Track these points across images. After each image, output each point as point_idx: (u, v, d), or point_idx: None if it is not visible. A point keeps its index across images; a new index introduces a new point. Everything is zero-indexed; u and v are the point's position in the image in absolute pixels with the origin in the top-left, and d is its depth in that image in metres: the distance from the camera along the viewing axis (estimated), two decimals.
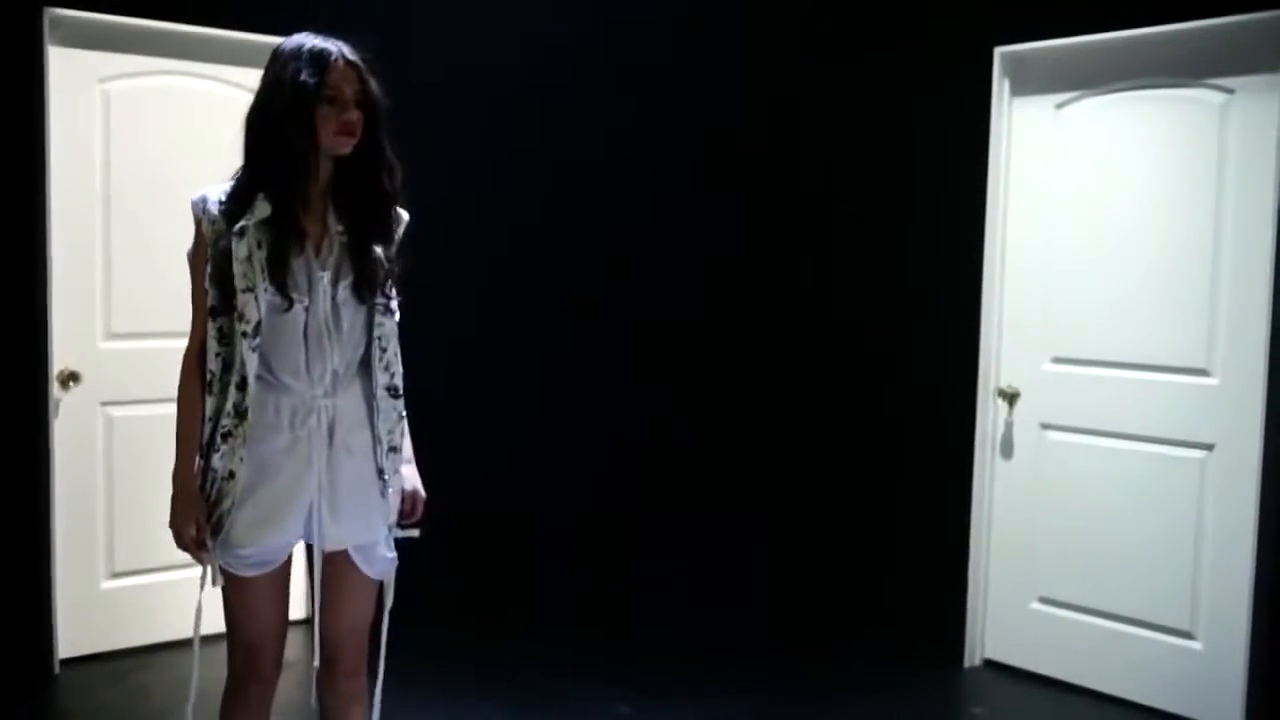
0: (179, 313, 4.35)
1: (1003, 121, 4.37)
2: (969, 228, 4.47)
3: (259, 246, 2.42)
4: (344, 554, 2.60)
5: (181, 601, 4.50)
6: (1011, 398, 4.40)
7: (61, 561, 4.20)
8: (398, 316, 2.62)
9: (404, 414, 2.66)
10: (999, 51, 4.34)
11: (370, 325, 2.56)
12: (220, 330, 2.46)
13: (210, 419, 2.48)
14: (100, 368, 4.28)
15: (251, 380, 2.44)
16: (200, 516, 2.51)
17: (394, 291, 2.58)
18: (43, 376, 4.12)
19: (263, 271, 2.41)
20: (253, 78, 4.44)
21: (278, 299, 2.43)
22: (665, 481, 5.73)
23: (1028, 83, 4.35)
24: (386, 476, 2.60)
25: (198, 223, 2.46)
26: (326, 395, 2.51)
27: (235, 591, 2.59)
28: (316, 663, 2.69)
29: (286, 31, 4.52)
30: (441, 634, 4.68)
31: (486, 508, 5.28)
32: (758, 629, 4.92)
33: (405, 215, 2.65)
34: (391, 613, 2.80)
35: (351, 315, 2.53)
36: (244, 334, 2.42)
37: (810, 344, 5.38)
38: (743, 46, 5.53)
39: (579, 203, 5.55)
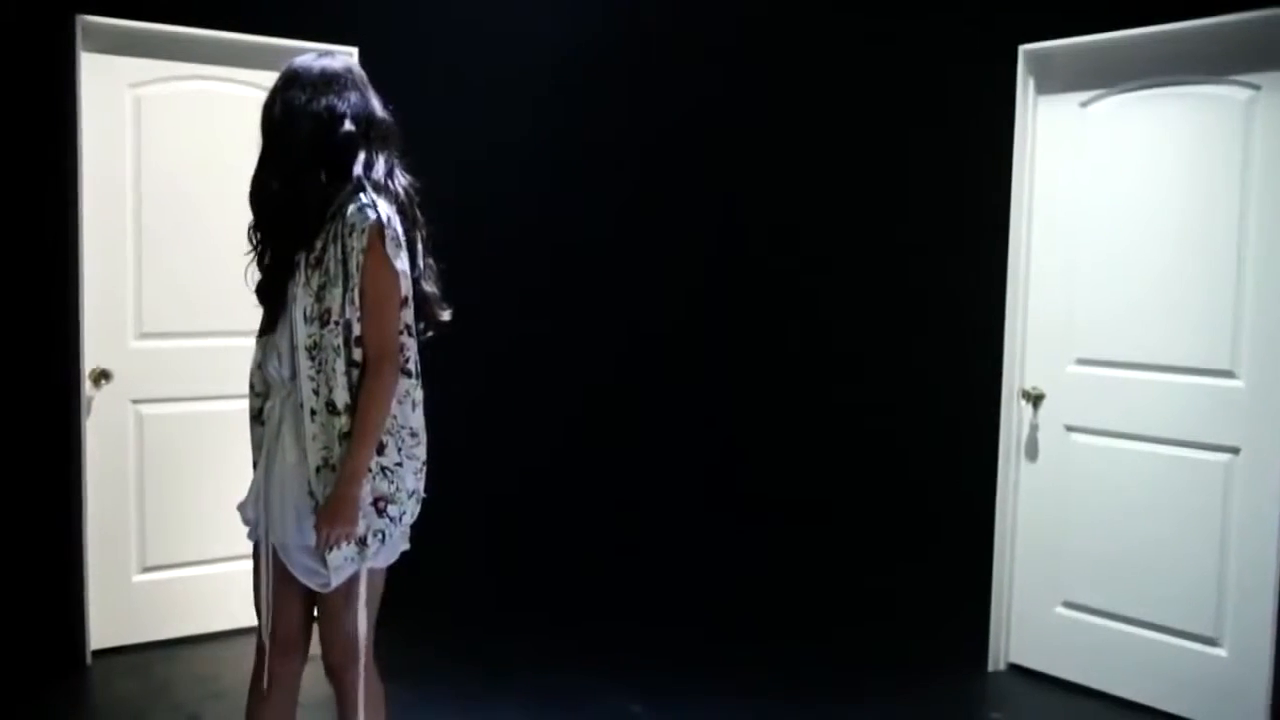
0: (208, 313, 4.51)
1: (1027, 120, 4.32)
2: (993, 228, 4.42)
3: None
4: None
5: (209, 596, 4.62)
6: (1036, 399, 4.34)
7: (93, 556, 4.29)
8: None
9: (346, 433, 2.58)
10: (1023, 49, 4.29)
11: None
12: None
13: None
14: (131, 366, 4.38)
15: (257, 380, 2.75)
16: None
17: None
18: (74, 375, 4.22)
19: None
20: None
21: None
22: (683, 482, 5.74)
23: (1052, 81, 4.29)
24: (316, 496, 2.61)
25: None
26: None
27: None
28: None
29: (313, 37, 4.63)
30: (454, 632, 4.75)
31: (501, 508, 5.33)
32: (777, 630, 4.89)
33: None
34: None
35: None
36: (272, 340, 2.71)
37: (832, 344, 5.36)
38: (764, 44, 5.52)
39: (609, 211, 5.58)
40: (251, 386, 2.79)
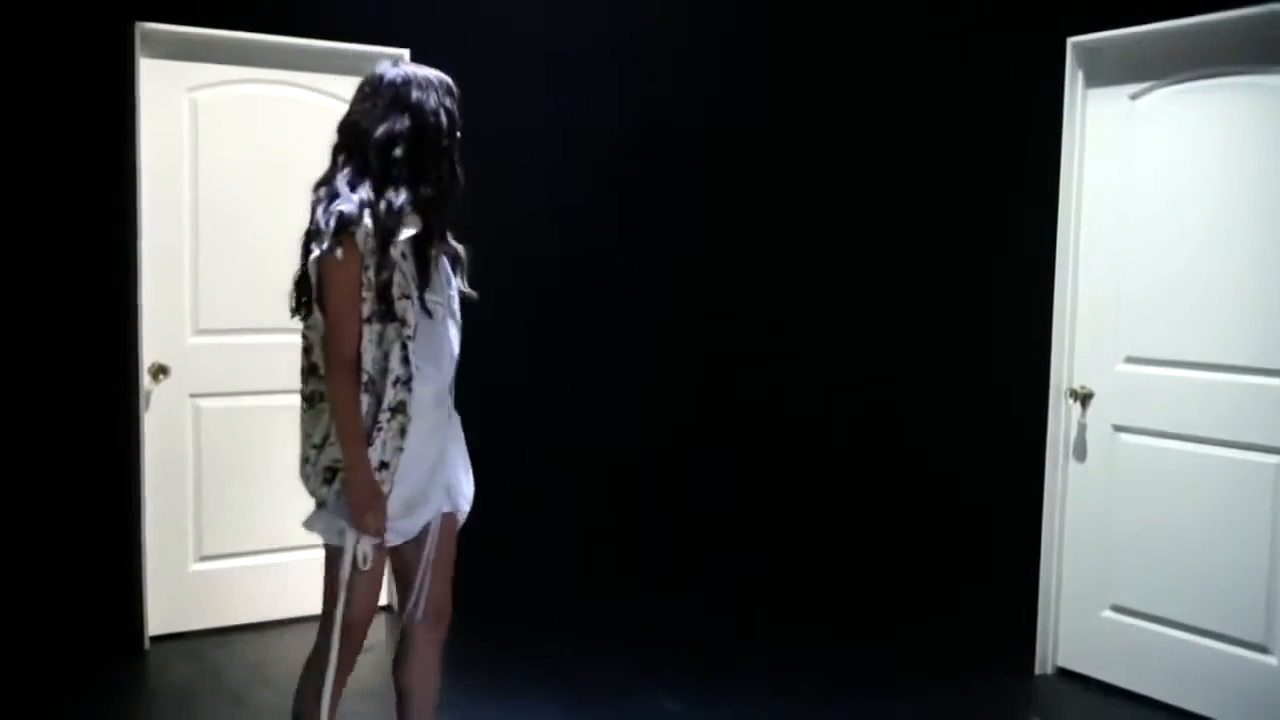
0: (263, 309, 4.63)
1: (1075, 114, 4.24)
2: (1041, 223, 4.34)
3: (404, 258, 2.68)
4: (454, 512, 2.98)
5: (263, 586, 4.74)
6: (1084, 399, 4.26)
7: (152, 545, 4.45)
8: None
9: None
10: (1072, 42, 4.21)
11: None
12: (380, 335, 2.66)
13: (366, 415, 2.68)
14: (189, 361, 4.52)
15: (415, 377, 2.70)
16: (382, 503, 2.71)
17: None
18: (134, 370, 4.37)
19: (413, 279, 2.69)
20: (331, 84, 4.70)
21: (429, 302, 2.72)
22: (729, 481, 5.73)
23: (1101, 74, 4.20)
24: None
25: (350, 236, 2.58)
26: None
27: (373, 566, 2.79)
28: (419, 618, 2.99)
29: (365, 40, 4.73)
30: (494, 625, 4.80)
31: (542, 503, 5.37)
32: (822, 631, 4.87)
33: None
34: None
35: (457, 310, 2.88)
36: (408, 337, 2.68)
37: (879, 344, 5.31)
38: (812, 40, 5.49)
39: (653, 210, 5.59)
40: (402, 380, 2.72)
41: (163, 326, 4.45)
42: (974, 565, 4.89)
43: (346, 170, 2.68)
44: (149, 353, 4.41)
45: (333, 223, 2.58)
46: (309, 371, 2.80)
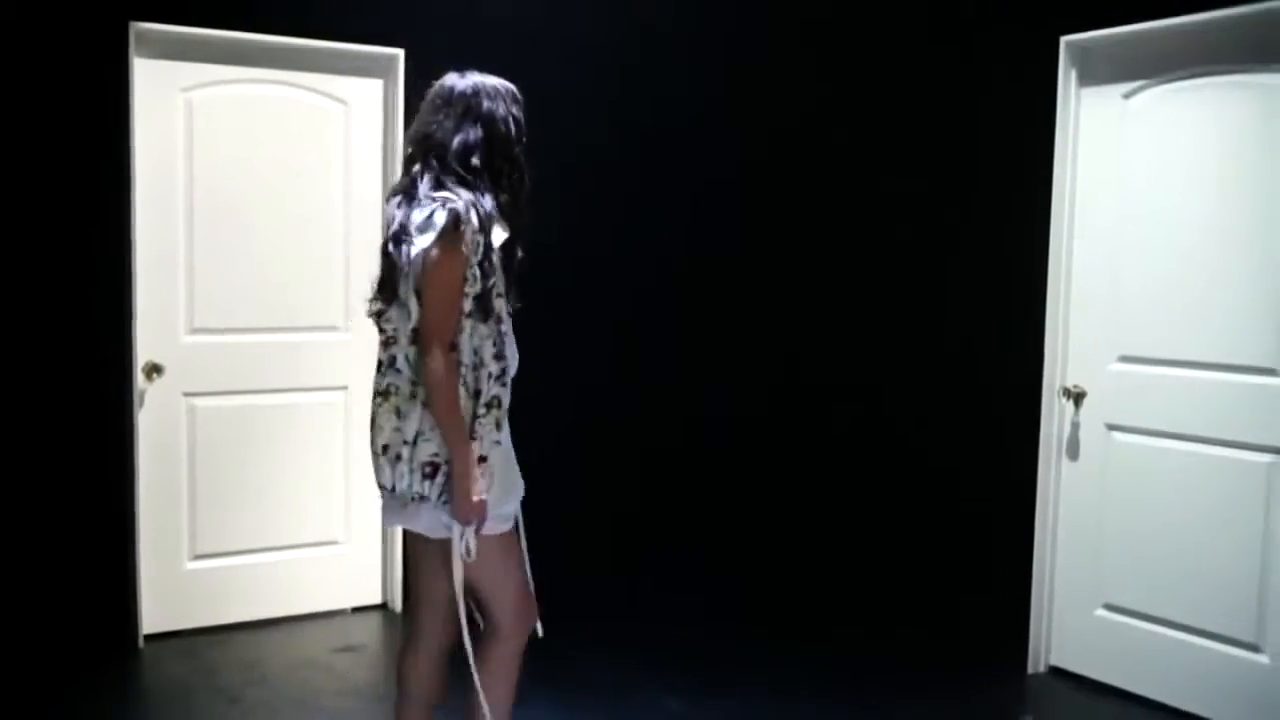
0: (258, 308, 4.64)
1: (1069, 113, 4.24)
2: (1035, 222, 4.35)
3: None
4: None
5: (257, 584, 4.75)
6: (1077, 397, 4.26)
7: (147, 543, 4.46)
8: None
9: None
10: (1065, 41, 4.21)
11: None
12: (474, 330, 2.74)
13: (464, 410, 2.75)
14: (183, 360, 4.53)
15: (509, 373, 2.82)
16: (481, 495, 2.77)
17: None
18: (128, 368, 4.37)
19: (501, 279, 2.80)
20: (326, 83, 4.71)
21: (512, 302, 2.87)
22: (724, 479, 5.73)
23: (1095, 72, 4.20)
24: None
25: (460, 235, 2.66)
26: None
27: (503, 548, 2.90)
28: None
29: (361, 40, 4.72)
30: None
31: (544, 498, 5.36)
32: (817, 630, 4.87)
33: None
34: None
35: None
36: (503, 333, 2.81)
37: (873, 343, 5.32)
38: (807, 39, 5.50)
39: (648, 211, 5.60)
40: (495, 375, 2.81)
41: (157, 325, 4.46)
42: (968, 564, 4.90)
43: (425, 179, 2.76)
44: (143, 351, 4.41)
45: (445, 220, 2.65)
46: (388, 365, 2.80)
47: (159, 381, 4.48)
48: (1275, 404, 3.73)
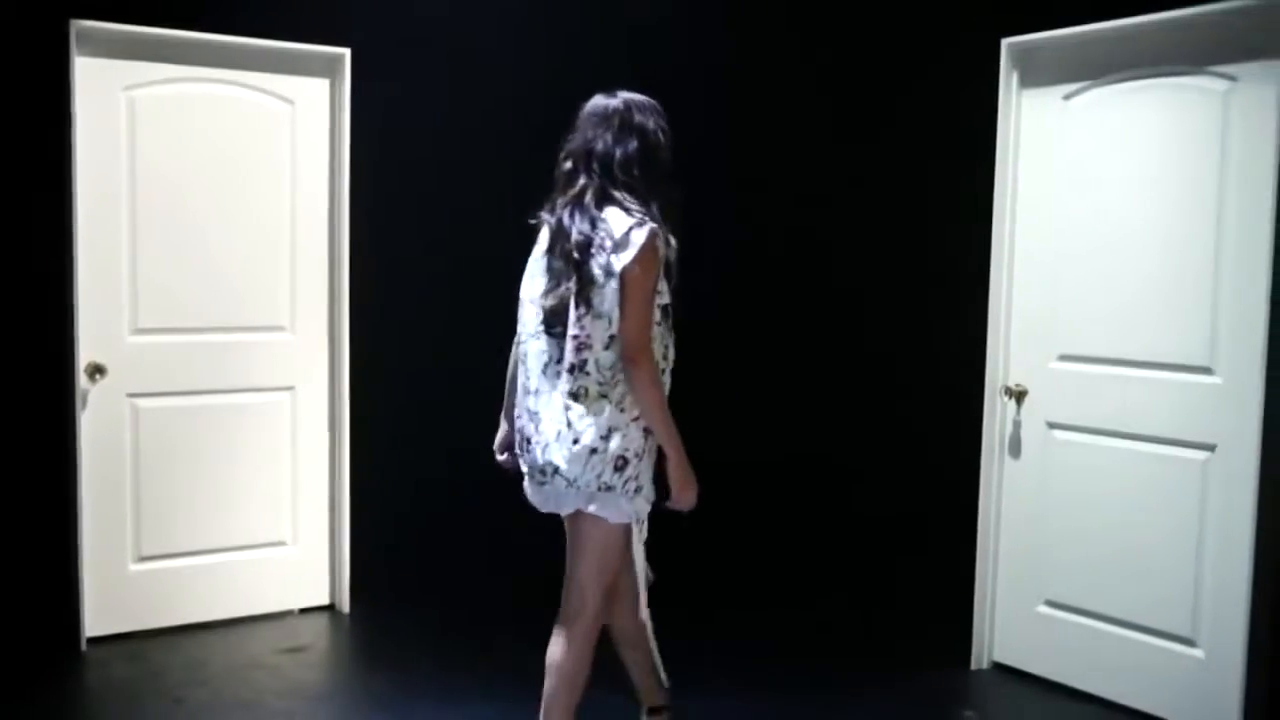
0: (204, 308, 4.62)
1: (1010, 114, 4.28)
2: (976, 223, 4.38)
3: None
4: None
5: (204, 586, 4.73)
6: (1019, 396, 4.30)
7: (91, 545, 4.42)
8: None
9: None
10: (1006, 43, 4.25)
11: None
12: (659, 330, 3.06)
13: None
14: (126, 361, 4.49)
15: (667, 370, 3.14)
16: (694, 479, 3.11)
17: None
18: (69, 369, 4.33)
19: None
20: (270, 82, 4.70)
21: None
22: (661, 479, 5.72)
23: (1036, 74, 4.25)
24: None
25: (656, 251, 2.96)
26: None
27: (626, 538, 3.15)
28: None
29: (305, 39, 4.69)
30: (454, 627, 4.82)
31: (522, 508, 5.36)
32: (762, 629, 4.88)
33: None
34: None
35: None
36: (670, 328, 3.11)
37: (816, 342, 5.35)
38: (746, 41, 5.50)
39: None
40: (667, 370, 3.14)
41: (99, 325, 4.42)
42: (911, 562, 4.94)
43: (589, 190, 3.02)
44: (85, 352, 4.37)
45: (645, 238, 2.93)
46: (578, 368, 2.99)
47: (102, 382, 4.44)
48: (1210, 402, 3.79)
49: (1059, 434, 4.21)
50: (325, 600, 4.96)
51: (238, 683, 4.20)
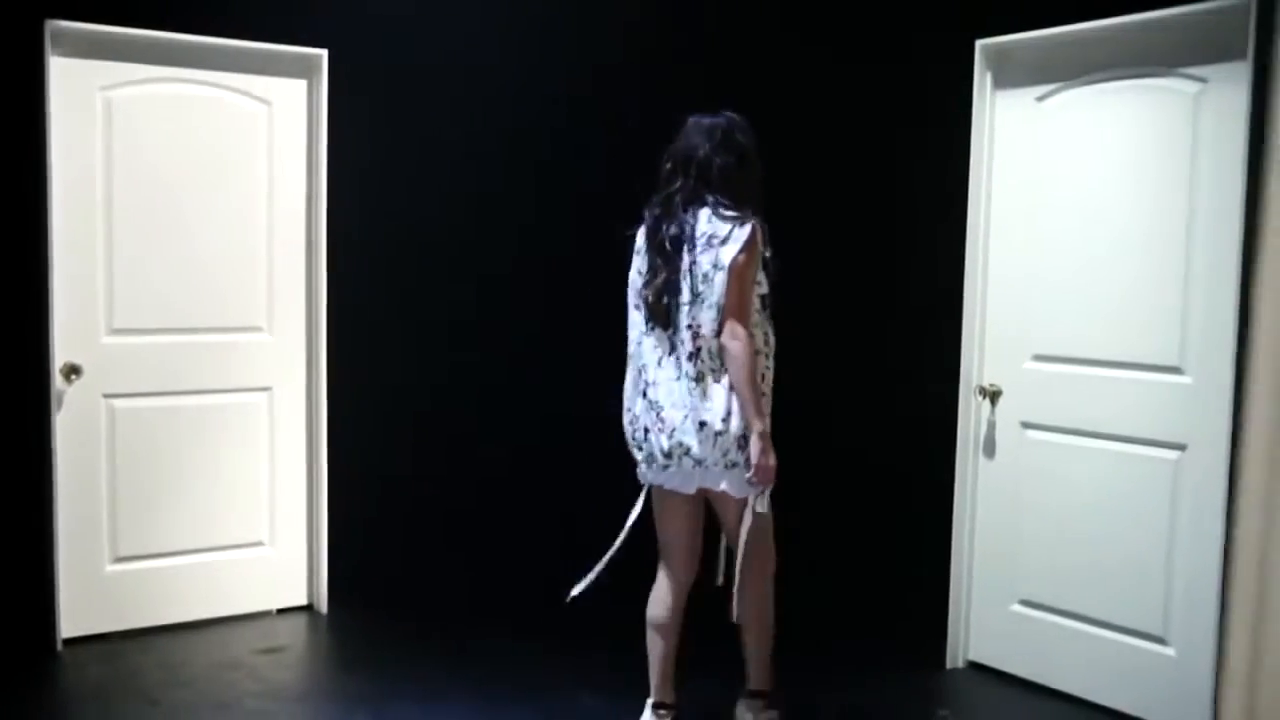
0: (180, 309, 4.61)
1: (984, 115, 4.30)
2: (951, 224, 4.40)
3: None
4: None
5: (181, 586, 4.73)
6: (993, 396, 4.32)
7: (67, 546, 4.42)
8: None
9: None
10: (980, 44, 4.27)
11: None
12: (760, 318, 3.46)
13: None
14: (103, 361, 4.49)
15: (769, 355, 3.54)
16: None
17: None
18: (45, 369, 4.33)
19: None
20: (247, 83, 4.70)
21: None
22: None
23: (1010, 75, 4.27)
24: None
25: (757, 244, 3.39)
26: None
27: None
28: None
29: (282, 40, 4.70)
30: (416, 628, 4.82)
31: (500, 508, 5.36)
32: (731, 625, 4.86)
33: None
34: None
35: None
36: (769, 318, 3.51)
37: (785, 343, 5.33)
38: (719, 38, 5.50)
39: (578, 211, 5.59)
40: (765, 354, 3.54)
41: (75, 326, 4.41)
42: (886, 561, 4.95)
43: (684, 191, 3.42)
44: (61, 352, 4.37)
45: (749, 233, 3.34)
46: (695, 354, 3.37)
47: (78, 383, 4.44)
48: (1182, 401, 3.81)
49: (1033, 434, 4.23)
50: (303, 600, 4.96)
51: (215, 684, 4.20)
